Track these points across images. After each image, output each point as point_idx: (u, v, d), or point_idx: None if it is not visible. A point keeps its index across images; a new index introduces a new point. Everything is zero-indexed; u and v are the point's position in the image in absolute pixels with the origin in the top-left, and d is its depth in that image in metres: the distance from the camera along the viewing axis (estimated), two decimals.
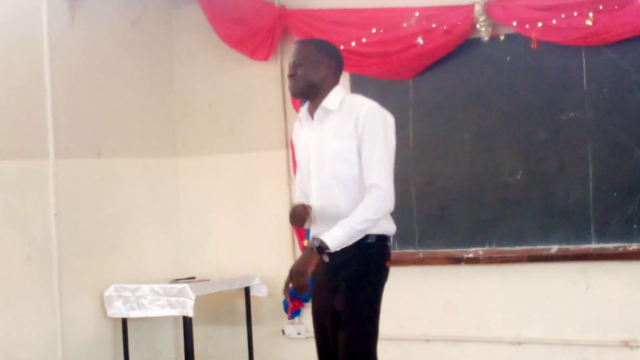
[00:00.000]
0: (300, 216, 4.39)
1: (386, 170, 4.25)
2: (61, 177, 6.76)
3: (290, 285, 4.19)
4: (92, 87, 7.07)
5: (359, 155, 4.24)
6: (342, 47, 6.70)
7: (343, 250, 4.21)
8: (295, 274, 4.13)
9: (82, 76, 7.00)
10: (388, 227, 4.35)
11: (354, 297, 4.25)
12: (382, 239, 4.33)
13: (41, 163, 6.67)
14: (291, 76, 4.40)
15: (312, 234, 4.37)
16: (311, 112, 4.45)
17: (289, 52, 6.96)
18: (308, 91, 4.38)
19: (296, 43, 4.62)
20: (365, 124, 4.22)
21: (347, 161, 4.25)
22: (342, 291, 4.26)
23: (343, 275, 4.25)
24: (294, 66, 4.38)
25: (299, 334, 7.20)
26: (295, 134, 4.63)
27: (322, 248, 4.11)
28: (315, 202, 4.36)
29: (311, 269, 4.13)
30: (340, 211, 4.23)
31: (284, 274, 7.12)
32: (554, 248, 6.32)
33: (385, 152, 4.26)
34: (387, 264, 4.37)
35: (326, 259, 4.14)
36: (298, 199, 4.58)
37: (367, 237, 4.25)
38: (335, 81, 4.42)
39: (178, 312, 6.77)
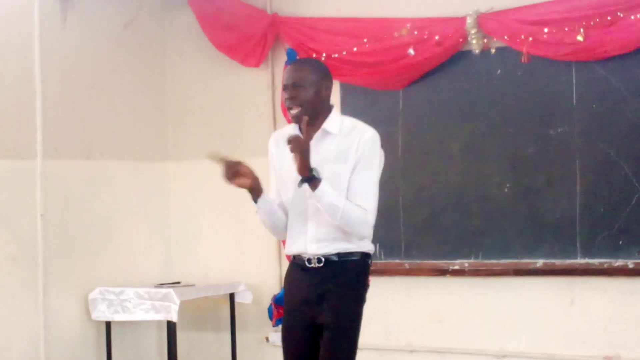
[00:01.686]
0: (232, 168, 4.29)
1: (375, 200, 4.29)
2: (49, 177, 6.74)
3: None
4: (83, 88, 7.05)
5: (350, 176, 4.25)
6: (334, 56, 6.75)
7: (330, 264, 4.28)
8: (302, 149, 4.10)
9: (73, 77, 6.98)
10: (370, 247, 4.41)
11: (344, 310, 4.28)
12: (366, 256, 4.38)
13: (29, 163, 6.65)
14: (292, 99, 4.30)
15: (306, 251, 4.35)
16: (305, 133, 4.30)
17: (280, 59, 7.04)
18: (312, 114, 4.27)
19: (289, 64, 4.55)
20: (364, 150, 4.25)
21: (342, 184, 4.23)
22: (332, 303, 4.27)
23: (332, 288, 4.27)
24: (294, 88, 4.30)
25: None
26: (278, 152, 4.49)
27: (311, 177, 4.12)
28: (311, 222, 4.33)
29: (305, 142, 4.10)
30: (337, 233, 4.27)
31: (270, 281, 7.24)
32: (539, 262, 6.33)
33: (376, 181, 4.31)
34: (369, 281, 4.41)
35: (298, 186, 4.16)
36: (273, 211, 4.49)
37: (352, 254, 4.31)
38: (329, 100, 4.40)
39: (162, 317, 6.76)
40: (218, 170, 7.55)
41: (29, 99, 6.67)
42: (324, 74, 4.39)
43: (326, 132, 4.32)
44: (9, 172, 6.54)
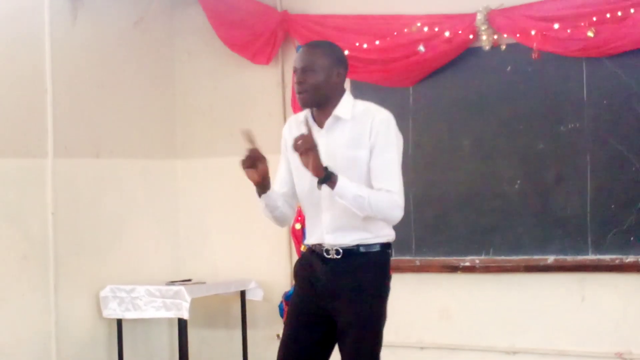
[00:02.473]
0: (253, 159, 4.16)
1: (400, 180, 4.18)
2: (59, 176, 6.76)
3: None
4: (93, 87, 7.07)
5: (369, 162, 4.16)
6: (345, 53, 6.73)
7: (349, 256, 4.18)
8: (307, 148, 3.99)
9: (82, 76, 7.00)
10: (391, 235, 4.29)
11: (368, 311, 4.17)
12: (386, 247, 4.27)
13: (40, 162, 6.67)
14: (300, 83, 4.19)
15: (323, 241, 4.26)
16: (318, 119, 4.28)
17: (290, 57, 7.04)
18: (320, 100, 4.20)
19: (302, 46, 4.41)
20: (379, 132, 4.14)
21: (360, 170, 4.14)
22: (354, 303, 4.16)
23: (353, 284, 4.17)
24: (303, 72, 4.19)
25: None
26: (290, 139, 4.30)
27: (328, 176, 4.02)
28: (325, 211, 4.24)
29: (308, 162, 3.99)
30: (354, 222, 4.17)
31: (280, 278, 7.23)
32: (550, 258, 6.32)
33: (398, 162, 4.20)
34: (391, 272, 4.31)
35: (318, 188, 4.07)
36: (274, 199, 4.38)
37: (373, 245, 4.21)
38: (343, 87, 4.28)
39: (173, 314, 6.78)
40: (226, 167, 7.61)
41: (40, 98, 6.69)
42: (337, 59, 4.26)
43: (338, 118, 4.21)
44: (19, 170, 6.56)
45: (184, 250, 7.65)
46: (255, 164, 4.15)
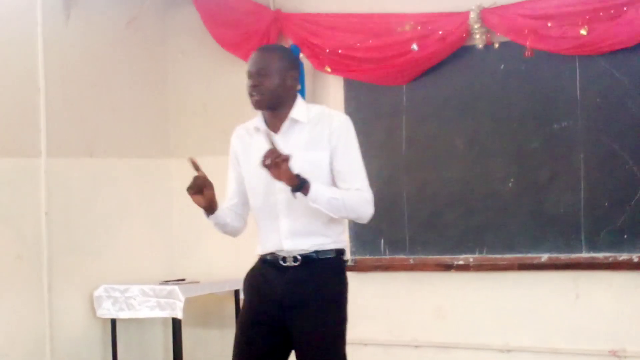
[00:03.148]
0: (201, 185, 4.18)
1: (365, 176, 4.21)
2: (53, 175, 6.75)
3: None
4: (86, 86, 7.06)
5: (331, 166, 4.16)
6: (338, 51, 6.74)
7: (307, 264, 4.16)
8: (275, 161, 3.93)
9: (76, 75, 6.99)
10: (344, 242, 4.30)
11: (328, 320, 4.15)
12: (341, 253, 4.26)
13: (33, 161, 6.67)
14: (255, 87, 4.16)
15: (282, 248, 4.22)
16: (271, 123, 4.25)
17: None
18: (274, 104, 4.19)
19: (255, 50, 4.37)
20: (340, 135, 4.16)
21: (320, 172, 4.14)
22: (314, 313, 4.13)
23: (312, 294, 4.14)
24: (258, 75, 4.16)
25: None
26: (242, 147, 4.38)
27: (302, 183, 4.00)
28: (283, 217, 4.21)
29: (279, 176, 3.96)
30: (312, 226, 4.17)
31: None
32: (544, 256, 6.33)
33: (360, 160, 4.23)
34: (346, 279, 4.29)
35: (293, 196, 4.04)
36: (231, 208, 4.41)
37: (328, 251, 4.19)
38: (295, 89, 4.26)
39: (167, 314, 6.77)
40: (220, 166, 7.60)
41: (33, 97, 6.68)
42: (291, 63, 4.27)
43: (294, 121, 4.20)
44: (13, 170, 6.56)
45: (177, 250, 7.64)
46: (201, 190, 4.18)
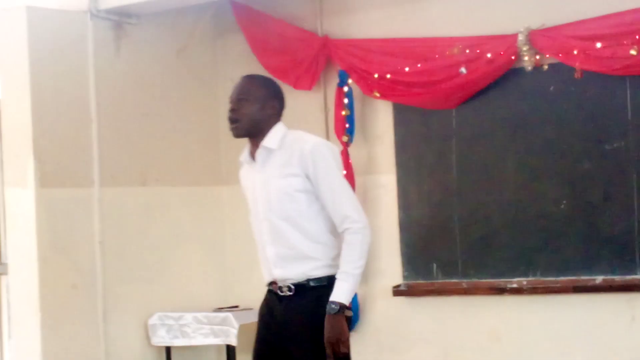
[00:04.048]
0: None
1: (353, 201, 4.13)
2: (106, 205, 6.82)
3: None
4: (137, 115, 7.13)
5: (316, 193, 4.11)
6: (387, 76, 6.75)
7: (301, 293, 4.14)
8: (336, 343, 3.97)
9: (127, 105, 7.06)
10: (335, 268, 4.17)
11: (317, 348, 4.06)
12: (334, 279, 4.13)
13: (86, 191, 6.74)
14: (233, 111, 4.22)
15: (274, 277, 4.24)
16: (252, 153, 4.29)
17: (332, 82, 7.05)
18: (252, 130, 4.22)
19: (241, 78, 4.43)
20: (315, 161, 4.09)
21: (294, 200, 4.11)
22: (304, 342, 4.12)
23: (304, 323, 4.12)
24: (237, 100, 4.22)
25: None
26: (243, 177, 4.46)
27: (342, 309, 3.99)
28: (269, 245, 4.23)
29: (347, 334, 4.00)
30: (297, 252, 4.14)
31: None
32: (598, 279, 6.27)
33: (344, 184, 4.16)
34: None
35: (349, 314, 4.04)
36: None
37: (322, 278, 4.14)
38: (276, 120, 4.27)
39: (221, 341, 6.80)
40: None
41: (85, 128, 6.77)
42: (273, 92, 4.29)
43: (266, 149, 4.20)
44: (67, 200, 6.63)
45: (230, 277, 7.66)
46: None
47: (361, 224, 4.09)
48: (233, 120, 4.24)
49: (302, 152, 4.11)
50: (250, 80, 4.35)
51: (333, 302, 4.00)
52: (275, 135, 4.21)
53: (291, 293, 4.18)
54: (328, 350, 3.99)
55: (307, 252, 4.14)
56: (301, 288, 4.16)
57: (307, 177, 4.11)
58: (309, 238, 4.14)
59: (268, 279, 4.30)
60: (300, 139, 4.19)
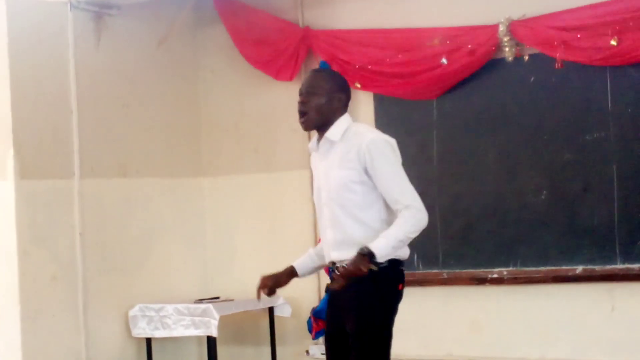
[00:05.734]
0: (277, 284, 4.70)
1: (411, 190, 4.24)
2: (86, 196, 6.80)
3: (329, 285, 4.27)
4: (118, 106, 7.12)
5: (374, 184, 4.24)
6: (367, 67, 6.75)
7: None
8: (347, 275, 4.09)
9: (107, 96, 7.05)
10: (402, 252, 4.31)
11: (363, 320, 4.24)
12: (395, 263, 4.28)
13: (67, 183, 6.72)
14: (303, 103, 4.36)
15: (332, 258, 4.38)
16: (319, 142, 4.42)
17: None
18: (320, 122, 4.36)
19: (309, 71, 4.58)
20: (372, 156, 4.22)
21: (351, 190, 4.25)
22: (352, 313, 4.26)
23: (353, 298, 4.23)
24: (307, 93, 4.36)
25: (322, 354, 7.18)
26: (312, 163, 4.61)
27: (371, 255, 4.09)
28: (329, 229, 4.37)
29: (360, 273, 4.08)
30: (354, 239, 4.25)
31: (308, 294, 7.21)
32: (579, 268, 6.29)
33: (403, 174, 4.27)
34: (400, 287, 4.34)
35: (374, 267, 4.10)
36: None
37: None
38: (342, 113, 4.39)
39: (202, 332, 6.79)
40: (252, 184, 7.64)
41: (65, 119, 6.74)
42: (340, 86, 4.41)
43: (328, 141, 4.34)
44: (47, 192, 6.61)
45: (211, 268, 7.67)
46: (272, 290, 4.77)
47: (418, 211, 4.21)
48: (302, 113, 4.37)
49: (360, 147, 4.24)
50: (318, 74, 4.54)
51: (366, 247, 4.11)
52: (338, 128, 4.35)
53: None
54: (336, 276, 4.14)
55: (359, 239, 4.23)
56: None
57: (365, 170, 4.24)
58: (363, 226, 4.27)
59: (328, 260, 4.44)
60: (360, 134, 4.32)
